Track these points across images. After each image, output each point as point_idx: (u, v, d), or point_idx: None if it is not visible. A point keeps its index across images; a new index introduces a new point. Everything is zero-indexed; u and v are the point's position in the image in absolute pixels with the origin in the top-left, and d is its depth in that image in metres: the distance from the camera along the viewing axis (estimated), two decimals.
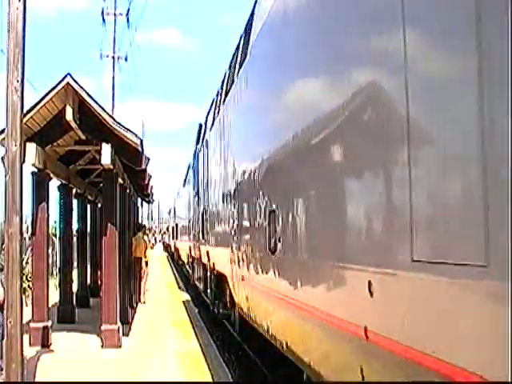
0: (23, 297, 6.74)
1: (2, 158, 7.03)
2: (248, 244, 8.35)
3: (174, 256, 40.74)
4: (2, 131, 6.97)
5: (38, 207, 10.19)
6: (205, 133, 15.70)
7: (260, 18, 7.55)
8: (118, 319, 10.49)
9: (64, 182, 12.40)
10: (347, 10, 4.31)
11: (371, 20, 3.79)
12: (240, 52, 9.39)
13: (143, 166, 11.35)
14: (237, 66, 9.60)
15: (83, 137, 10.13)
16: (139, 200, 24.85)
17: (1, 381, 6.37)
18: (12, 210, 6.13)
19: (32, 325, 10.11)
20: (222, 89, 12.12)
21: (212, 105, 14.44)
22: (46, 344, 10.07)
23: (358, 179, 4.06)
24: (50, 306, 10.78)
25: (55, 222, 15.80)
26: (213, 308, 14.43)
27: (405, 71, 3.16)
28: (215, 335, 13.06)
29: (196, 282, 19.32)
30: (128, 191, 15.11)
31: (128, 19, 29.85)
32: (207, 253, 14.30)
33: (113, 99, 30.34)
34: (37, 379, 7.86)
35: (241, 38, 9.52)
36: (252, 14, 8.41)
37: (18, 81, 6.17)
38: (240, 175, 9.01)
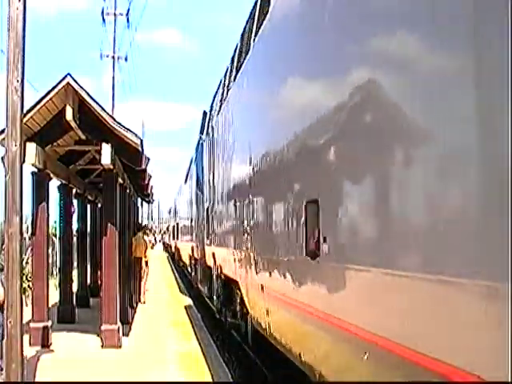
0: (23, 297, 6.74)
1: (2, 158, 7.03)
2: (270, 246, 6.90)
3: (174, 256, 40.17)
4: (2, 131, 6.97)
5: (38, 207, 10.18)
6: (210, 120, 14.23)
7: None
8: (118, 319, 10.48)
9: (64, 181, 12.40)
10: None
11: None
12: (257, 13, 7.85)
13: (143, 166, 11.34)
14: (253, 32, 8.07)
15: (83, 137, 10.13)
16: (139, 200, 24.85)
17: (1, 381, 6.37)
18: (12, 210, 6.12)
19: (32, 325, 10.11)
20: (232, 64, 10.58)
21: (219, 87, 12.87)
22: (46, 344, 10.07)
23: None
24: (50, 305, 10.78)
25: (55, 222, 15.80)
26: (219, 316, 13.31)
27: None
28: (215, 335, 13.06)
29: (199, 286, 18.20)
30: (128, 191, 15.10)
31: (128, 19, 29.95)
32: (213, 254, 13.11)
33: (113, 99, 30.38)
34: (37, 379, 7.86)
35: None
36: None
37: (18, 81, 6.16)
38: (259, 161, 7.52)
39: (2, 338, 6.35)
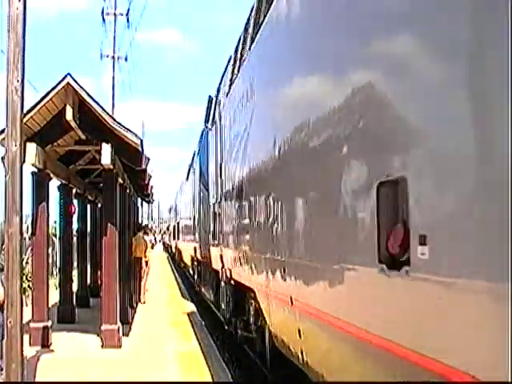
0: (23, 297, 6.74)
1: (2, 158, 7.02)
2: (308, 247, 5.37)
3: (174, 257, 39.70)
4: (2, 131, 6.97)
5: (38, 207, 10.18)
6: (216, 106, 12.50)
7: None
8: (118, 319, 10.48)
9: (64, 181, 12.40)
10: None
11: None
12: None
13: (143, 166, 11.34)
14: None
15: (83, 137, 10.13)
16: (139, 200, 24.85)
17: (1, 381, 6.37)
18: (12, 210, 6.12)
19: (32, 325, 10.11)
20: (246, 31, 9.16)
21: (228, 65, 11.40)
22: (46, 344, 10.07)
23: None
24: (50, 305, 10.78)
25: (55, 222, 15.80)
26: (227, 327, 11.77)
27: None
28: (215, 335, 13.05)
29: (203, 290, 17.02)
30: (128, 191, 15.10)
31: (128, 19, 29.90)
32: (220, 257, 11.54)
33: (113, 99, 30.35)
34: (37, 379, 7.86)
35: None
36: None
37: (18, 81, 6.16)
38: (289, 139, 5.93)
39: (2, 338, 6.35)
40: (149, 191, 22.41)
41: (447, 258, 2.86)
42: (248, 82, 8.32)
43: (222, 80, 12.35)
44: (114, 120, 9.91)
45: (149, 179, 17.33)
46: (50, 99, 9.21)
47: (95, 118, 9.63)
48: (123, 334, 10.60)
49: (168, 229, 56.22)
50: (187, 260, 24.62)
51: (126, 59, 31.01)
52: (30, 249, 12.57)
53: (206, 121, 14.65)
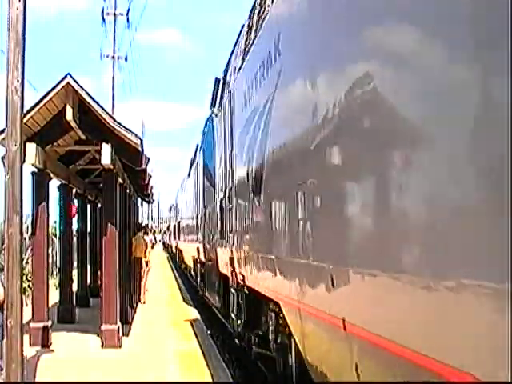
0: (23, 297, 6.73)
1: (2, 158, 7.03)
2: (376, 252, 3.63)
3: (175, 257, 39.20)
4: (2, 131, 6.97)
5: (38, 207, 10.19)
6: (225, 85, 11.06)
7: None
8: (118, 319, 10.49)
9: (64, 181, 12.40)
10: None
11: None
12: None
13: (143, 166, 11.34)
14: None
15: (83, 137, 10.13)
16: (139, 200, 24.86)
17: (1, 381, 6.37)
18: (12, 210, 6.12)
19: (32, 325, 10.11)
20: None
21: (239, 36, 9.84)
22: (46, 344, 10.07)
23: None
24: (50, 305, 10.78)
25: (55, 222, 15.81)
26: (239, 341, 10.16)
27: None
28: (215, 336, 13.04)
29: (207, 295, 15.59)
30: (128, 191, 15.11)
31: (128, 19, 29.91)
32: (230, 259, 9.85)
33: (113, 99, 30.36)
34: (37, 379, 7.86)
35: None
36: None
37: (18, 81, 6.16)
38: (345, 95, 4.05)
39: (2, 338, 6.35)
40: (149, 191, 22.43)
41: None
42: (272, 41, 6.44)
43: (230, 58, 10.91)
44: (114, 120, 9.91)
45: (149, 179, 17.34)
46: (50, 99, 9.22)
47: (95, 117, 9.63)
48: (123, 334, 10.61)
49: (168, 228, 56.13)
50: (189, 261, 23.21)
51: (125, 59, 31.05)
52: (30, 249, 12.57)
53: (213, 105, 12.63)
